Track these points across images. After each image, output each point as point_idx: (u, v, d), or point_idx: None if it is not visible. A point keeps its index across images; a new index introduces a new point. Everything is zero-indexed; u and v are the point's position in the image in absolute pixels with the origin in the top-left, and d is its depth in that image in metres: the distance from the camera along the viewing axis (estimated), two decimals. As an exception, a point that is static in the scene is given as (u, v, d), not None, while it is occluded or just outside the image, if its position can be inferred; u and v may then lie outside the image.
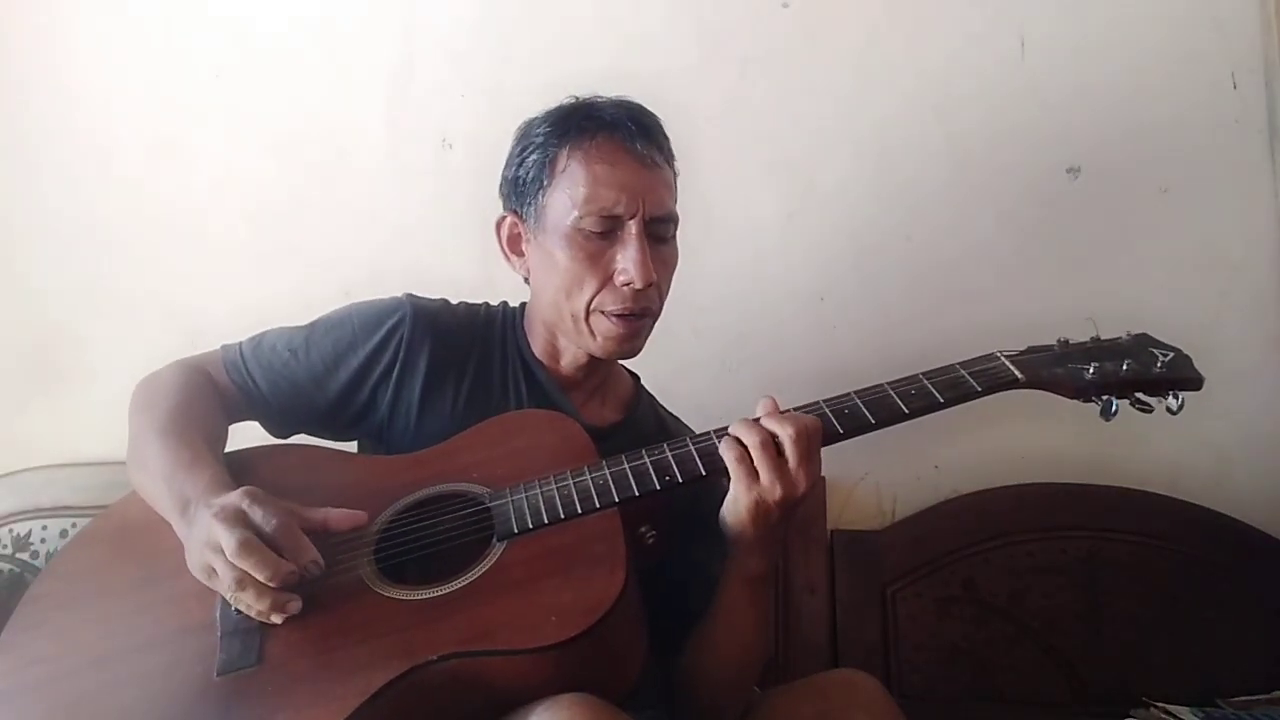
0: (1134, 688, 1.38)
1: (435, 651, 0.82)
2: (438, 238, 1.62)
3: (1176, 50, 1.54)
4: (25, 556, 1.50)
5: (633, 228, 1.03)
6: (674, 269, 1.12)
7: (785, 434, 0.89)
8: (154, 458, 0.98)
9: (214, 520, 0.86)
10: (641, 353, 1.14)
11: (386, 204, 1.64)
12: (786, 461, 0.89)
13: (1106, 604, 1.44)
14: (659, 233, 1.06)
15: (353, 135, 1.65)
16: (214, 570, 0.86)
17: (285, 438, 1.13)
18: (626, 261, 1.03)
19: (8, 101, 1.68)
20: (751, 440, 0.90)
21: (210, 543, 0.86)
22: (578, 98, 1.11)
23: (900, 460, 1.55)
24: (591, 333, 1.07)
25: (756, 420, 0.92)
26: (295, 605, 0.86)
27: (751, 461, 0.89)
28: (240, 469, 0.99)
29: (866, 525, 1.55)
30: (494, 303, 1.22)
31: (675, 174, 1.12)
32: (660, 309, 1.11)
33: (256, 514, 0.87)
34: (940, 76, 1.58)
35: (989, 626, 1.46)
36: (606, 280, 1.04)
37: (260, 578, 0.84)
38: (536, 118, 1.12)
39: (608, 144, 1.04)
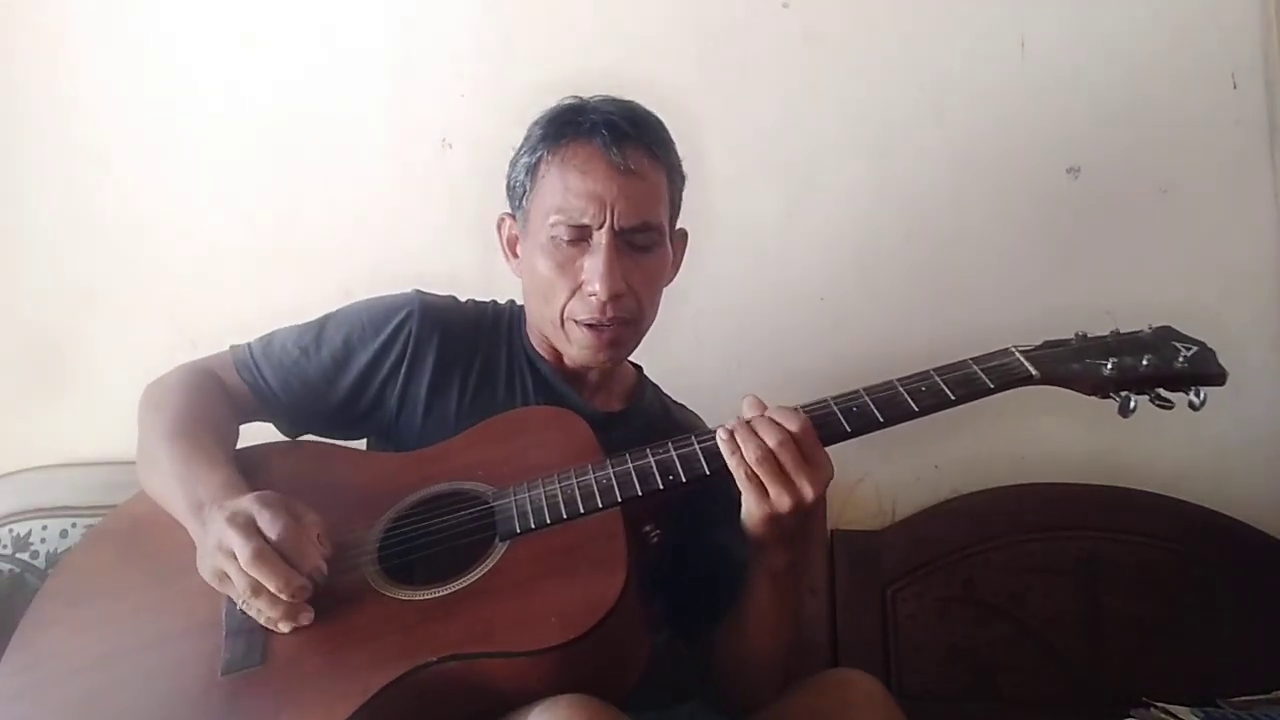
0: (1134, 688, 1.38)
1: (436, 653, 0.82)
2: (437, 238, 1.62)
3: (1176, 50, 1.54)
4: (25, 556, 1.50)
5: (601, 238, 1.02)
6: (659, 278, 1.10)
7: (772, 442, 0.87)
8: (165, 459, 0.98)
9: (226, 525, 0.86)
10: (642, 352, 1.14)
11: (386, 204, 1.64)
12: (787, 471, 0.88)
13: (1106, 604, 1.44)
14: (637, 241, 1.04)
15: (353, 135, 1.65)
16: (226, 575, 0.86)
17: (295, 436, 1.13)
18: (590, 271, 1.02)
19: (6, 103, 1.68)
20: (751, 456, 0.87)
21: (223, 548, 0.86)
22: (579, 98, 1.10)
23: (900, 460, 1.55)
24: (568, 339, 1.07)
25: (752, 429, 0.89)
26: (307, 617, 0.87)
27: (759, 477, 0.88)
28: (250, 467, 0.99)
29: (866, 525, 1.55)
30: (501, 301, 1.22)
31: (675, 178, 1.10)
32: (644, 318, 1.09)
33: (265, 519, 0.87)
34: (940, 76, 1.58)
35: (989, 626, 1.46)
36: (576, 289, 1.04)
37: (272, 588, 0.84)
38: (537, 118, 1.11)
39: (583, 150, 1.03)
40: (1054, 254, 1.56)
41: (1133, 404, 0.92)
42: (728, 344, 1.58)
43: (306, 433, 1.13)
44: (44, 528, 1.52)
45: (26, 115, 1.68)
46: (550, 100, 1.12)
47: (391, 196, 1.64)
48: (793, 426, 0.88)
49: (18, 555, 1.50)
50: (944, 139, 1.58)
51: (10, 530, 1.52)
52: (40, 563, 1.49)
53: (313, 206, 1.65)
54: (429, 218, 1.64)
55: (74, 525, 1.50)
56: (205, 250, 1.65)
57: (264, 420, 1.12)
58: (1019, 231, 1.57)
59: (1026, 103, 1.56)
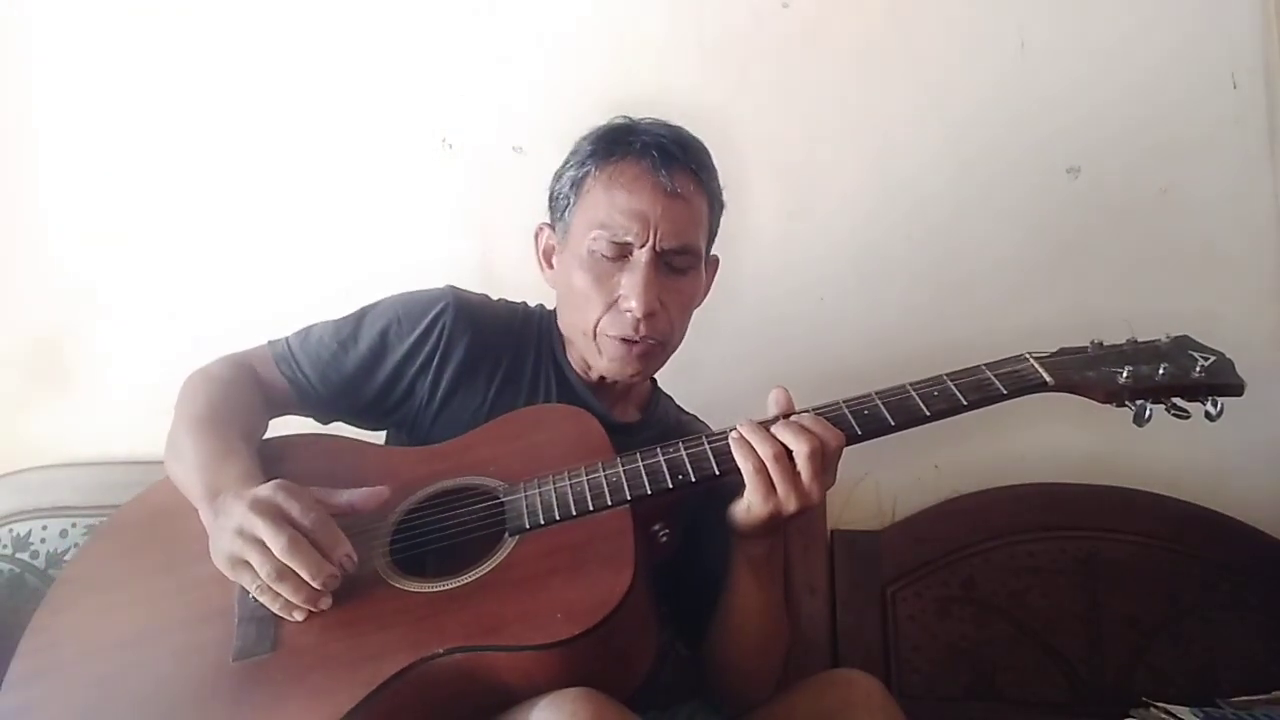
0: (1134, 688, 1.38)
1: (442, 645, 0.83)
2: (438, 238, 1.63)
3: (1176, 50, 1.54)
4: (25, 556, 1.50)
5: (642, 256, 1.04)
6: (691, 301, 1.12)
7: (800, 451, 0.88)
8: (189, 448, 1.00)
9: (250, 512, 0.87)
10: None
11: (386, 204, 1.64)
12: (800, 475, 0.88)
13: (1106, 604, 1.44)
14: (675, 263, 1.06)
15: (353, 135, 1.65)
16: (244, 561, 0.86)
17: (327, 424, 1.15)
18: (628, 288, 1.04)
19: (10, 101, 1.68)
20: (766, 453, 0.89)
21: (246, 533, 0.86)
22: (628, 118, 1.12)
23: (900, 460, 1.55)
24: (599, 352, 1.08)
25: (769, 429, 0.91)
26: (326, 601, 0.88)
27: (768, 473, 0.89)
28: (269, 458, 1.01)
29: (866, 525, 1.55)
30: (532, 304, 1.23)
31: (715, 205, 1.13)
32: (673, 339, 1.11)
33: (294, 508, 0.87)
34: (940, 76, 1.58)
35: (989, 626, 1.46)
36: (612, 303, 1.05)
37: (305, 576, 0.85)
38: (586, 134, 1.13)
39: (632, 169, 1.05)
40: (1054, 254, 1.56)
41: (1148, 413, 0.91)
42: (728, 344, 1.58)
43: (337, 421, 1.15)
44: (44, 528, 1.51)
45: (29, 114, 1.68)
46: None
47: (391, 196, 1.64)
48: (831, 442, 0.89)
49: (18, 555, 1.50)
50: (944, 139, 1.58)
51: (10, 530, 1.52)
52: (40, 563, 1.49)
53: (313, 207, 1.65)
54: (429, 218, 1.64)
55: (74, 525, 1.50)
56: (206, 250, 1.65)
57: (298, 414, 1.14)
58: (1018, 231, 1.57)
59: (1026, 103, 1.56)
